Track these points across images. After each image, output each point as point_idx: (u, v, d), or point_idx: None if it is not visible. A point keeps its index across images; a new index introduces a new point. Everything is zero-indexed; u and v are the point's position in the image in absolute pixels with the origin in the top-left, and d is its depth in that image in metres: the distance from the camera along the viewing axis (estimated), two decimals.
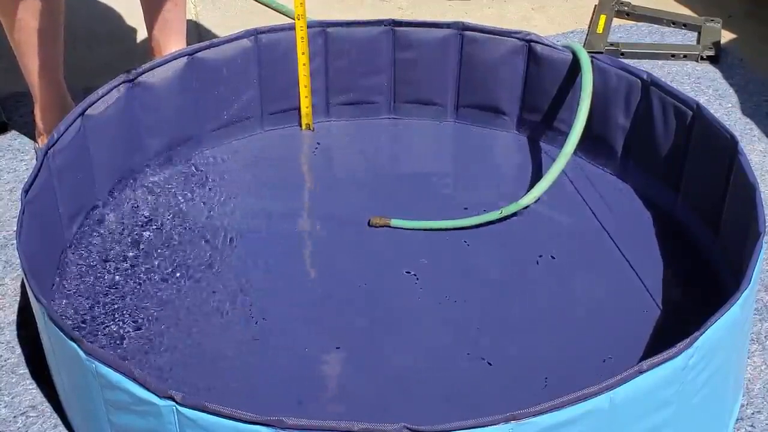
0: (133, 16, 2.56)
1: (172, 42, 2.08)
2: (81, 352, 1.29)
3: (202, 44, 1.94)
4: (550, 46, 1.94)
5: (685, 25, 2.50)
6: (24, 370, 1.57)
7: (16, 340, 1.62)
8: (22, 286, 1.71)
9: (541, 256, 1.73)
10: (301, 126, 2.04)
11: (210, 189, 1.90)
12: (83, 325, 1.58)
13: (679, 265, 1.70)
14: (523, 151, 2.00)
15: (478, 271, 1.71)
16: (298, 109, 2.04)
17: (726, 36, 2.44)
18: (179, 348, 1.56)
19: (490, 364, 1.53)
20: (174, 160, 1.95)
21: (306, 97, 2.01)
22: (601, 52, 2.31)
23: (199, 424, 1.20)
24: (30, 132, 2.10)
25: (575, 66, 1.90)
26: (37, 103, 1.99)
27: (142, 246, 1.75)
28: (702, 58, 2.35)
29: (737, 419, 1.46)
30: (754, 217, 1.46)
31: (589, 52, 1.89)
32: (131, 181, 1.88)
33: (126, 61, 2.34)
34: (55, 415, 1.49)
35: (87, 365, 1.28)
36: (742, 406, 1.49)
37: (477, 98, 2.04)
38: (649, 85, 1.82)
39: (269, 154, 2.00)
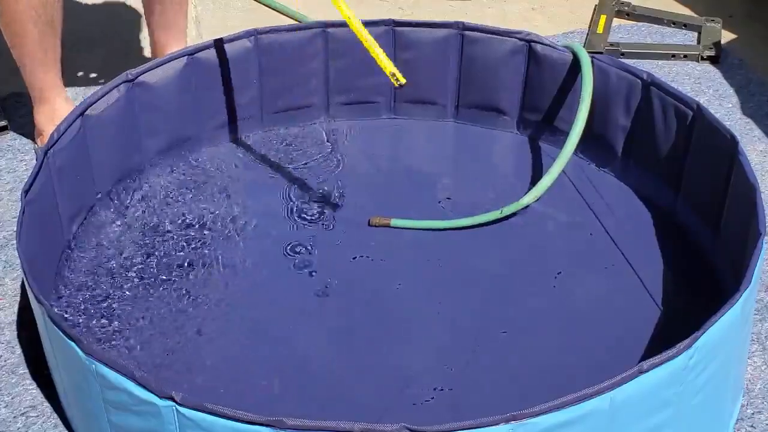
0: (133, 17, 2.56)
1: (174, 41, 2.08)
2: (81, 352, 1.29)
3: (202, 44, 1.94)
4: (550, 46, 1.94)
5: (685, 25, 2.50)
6: (24, 370, 1.57)
7: (16, 340, 1.62)
8: (22, 286, 1.71)
9: (541, 256, 1.73)
10: (395, 83, 1.75)
11: (210, 189, 1.90)
12: (83, 326, 1.58)
13: (679, 265, 1.70)
14: (523, 151, 2.00)
15: (479, 270, 1.71)
16: (383, 74, 1.94)
17: (726, 36, 2.44)
18: (179, 348, 1.56)
19: (490, 364, 1.53)
20: (174, 160, 1.95)
21: (382, 60, 1.77)
22: (601, 52, 2.31)
23: (199, 424, 1.20)
24: (30, 132, 2.10)
25: (575, 66, 1.90)
26: (36, 103, 1.99)
27: (141, 246, 1.75)
28: (702, 59, 2.35)
29: (737, 419, 1.46)
30: (754, 217, 1.46)
31: (589, 52, 1.89)
32: (131, 181, 1.88)
33: (126, 62, 2.34)
34: (55, 415, 1.49)
35: (87, 365, 1.28)
36: (742, 406, 1.49)
37: (477, 98, 2.04)
38: (650, 85, 1.82)
39: (269, 153, 2.00)
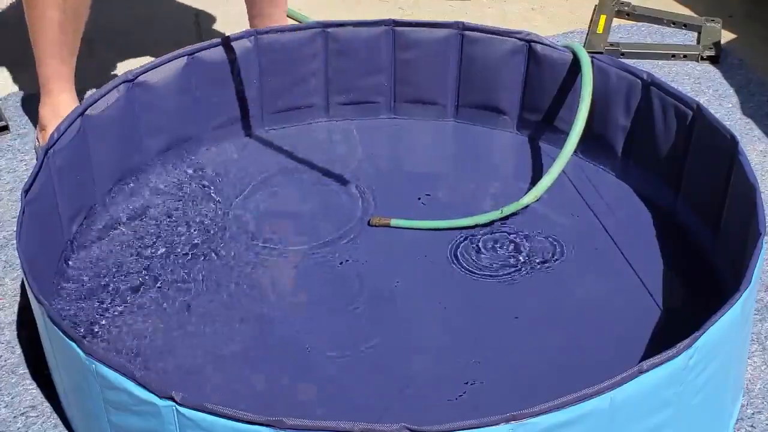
0: (134, 17, 2.56)
1: (277, 13, 2.12)
2: (81, 352, 1.29)
3: (202, 44, 1.94)
4: (550, 46, 1.94)
5: (685, 25, 2.50)
6: (24, 370, 1.57)
7: (16, 340, 1.62)
8: (22, 286, 1.71)
9: (540, 255, 1.73)
10: None
11: (209, 189, 1.89)
12: (83, 326, 1.58)
13: (679, 265, 1.70)
14: (523, 151, 2.00)
15: (478, 270, 1.70)
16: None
17: (726, 36, 2.44)
18: (179, 347, 1.56)
19: (489, 363, 1.53)
20: (174, 160, 1.95)
21: None
22: (601, 52, 2.31)
23: (199, 424, 1.20)
24: (30, 132, 2.10)
25: (575, 66, 1.90)
26: (42, 95, 1.98)
27: (141, 246, 1.75)
28: (702, 58, 2.35)
29: (737, 419, 1.46)
30: (754, 217, 1.46)
31: (589, 52, 1.89)
32: (131, 181, 1.88)
33: (126, 62, 2.34)
34: (55, 415, 1.49)
35: (87, 365, 1.28)
36: (742, 406, 1.49)
37: (477, 98, 2.04)
38: (650, 85, 1.82)
39: (269, 153, 2.00)
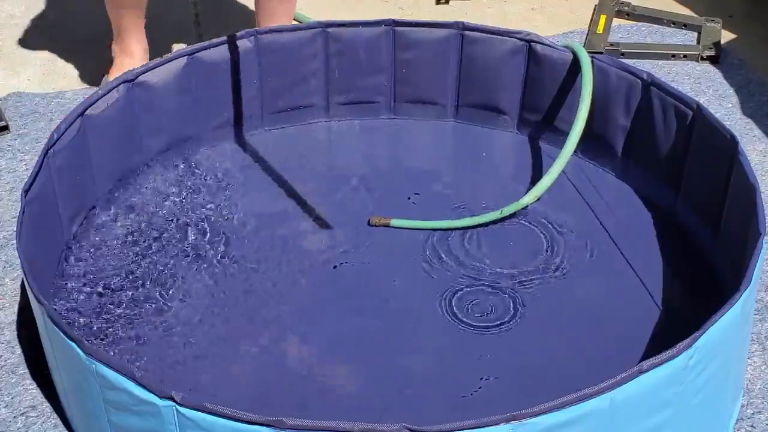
0: None
1: (281, 11, 2.15)
2: (81, 352, 1.29)
3: (202, 44, 1.94)
4: (550, 46, 1.94)
5: (685, 25, 2.50)
6: (24, 370, 1.57)
7: (16, 340, 1.62)
8: (22, 286, 1.71)
9: (540, 256, 1.73)
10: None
11: (210, 189, 1.89)
12: (83, 326, 1.58)
13: (679, 265, 1.70)
14: (523, 151, 2.00)
15: (478, 270, 1.70)
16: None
17: (726, 36, 2.44)
18: (179, 348, 1.56)
19: (489, 363, 1.53)
20: (174, 160, 1.95)
21: None
22: (601, 52, 2.31)
23: (199, 424, 1.20)
24: (30, 132, 2.10)
25: (575, 66, 1.90)
26: (118, 36, 2.16)
27: (141, 246, 1.75)
28: (702, 58, 2.35)
29: (737, 419, 1.46)
30: (754, 217, 1.46)
31: (589, 52, 1.89)
32: (131, 181, 1.88)
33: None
34: (55, 415, 1.49)
35: (87, 365, 1.28)
36: (742, 406, 1.49)
37: (477, 98, 2.04)
38: (650, 85, 1.82)
39: (269, 153, 2.00)
